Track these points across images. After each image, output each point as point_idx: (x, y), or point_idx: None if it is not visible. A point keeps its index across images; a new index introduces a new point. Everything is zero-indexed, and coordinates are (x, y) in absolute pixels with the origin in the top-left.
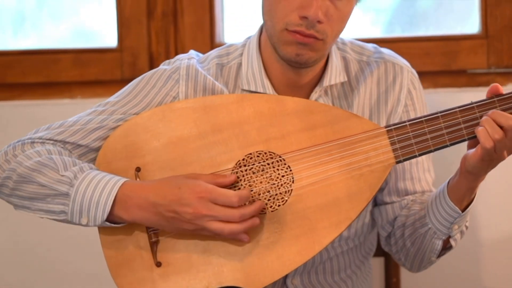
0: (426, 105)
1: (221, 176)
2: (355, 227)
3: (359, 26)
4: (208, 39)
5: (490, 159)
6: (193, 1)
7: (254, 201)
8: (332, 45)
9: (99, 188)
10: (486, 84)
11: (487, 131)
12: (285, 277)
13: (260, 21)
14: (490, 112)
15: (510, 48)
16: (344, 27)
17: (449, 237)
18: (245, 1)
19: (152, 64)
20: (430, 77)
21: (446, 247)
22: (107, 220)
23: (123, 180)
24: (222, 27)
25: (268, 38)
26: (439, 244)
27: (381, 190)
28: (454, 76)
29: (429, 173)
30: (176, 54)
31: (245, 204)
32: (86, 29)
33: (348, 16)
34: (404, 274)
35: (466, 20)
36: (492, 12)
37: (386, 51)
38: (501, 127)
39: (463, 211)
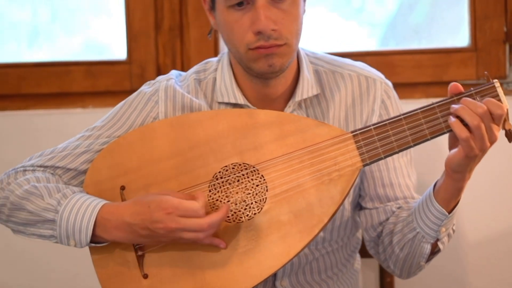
0: (402, 111)
1: (190, 196)
2: (337, 230)
3: (356, 39)
4: (212, 52)
5: (473, 154)
6: (198, 17)
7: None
8: (297, 44)
9: (80, 213)
10: None
11: (462, 121)
12: (274, 279)
13: None
14: (462, 100)
15: (498, 60)
16: (299, 24)
17: (437, 240)
18: None
19: (160, 75)
20: (422, 88)
21: (434, 251)
22: (92, 241)
23: (101, 203)
24: None
25: (237, 62)
26: (427, 248)
27: (361, 197)
28: (445, 87)
29: (409, 179)
30: (182, 66)
31: (212, 209)
32: (97, 42)
33: (298, 13)
34: None
35: (456, 34)
36: (481, 27)
37: (358, 64)
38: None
39: (449, 213)
